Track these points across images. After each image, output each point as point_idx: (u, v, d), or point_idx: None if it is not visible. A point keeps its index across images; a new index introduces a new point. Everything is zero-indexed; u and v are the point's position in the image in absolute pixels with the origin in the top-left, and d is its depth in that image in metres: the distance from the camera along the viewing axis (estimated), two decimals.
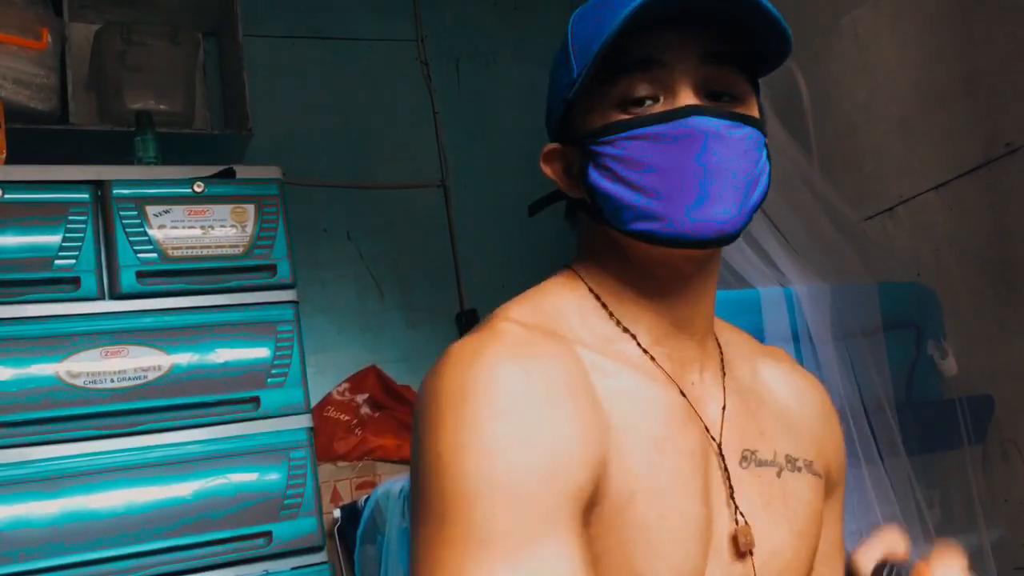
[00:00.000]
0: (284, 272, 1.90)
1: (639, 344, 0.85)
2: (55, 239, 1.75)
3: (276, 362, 1.85)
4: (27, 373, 1.68)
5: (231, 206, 1.88)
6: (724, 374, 0.90)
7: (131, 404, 1.73)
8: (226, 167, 1.95)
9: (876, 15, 2.08)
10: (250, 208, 1.90)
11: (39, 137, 2.04)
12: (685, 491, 0.79)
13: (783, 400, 0.93)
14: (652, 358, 0.84)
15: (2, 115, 1.86)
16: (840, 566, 0.95)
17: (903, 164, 2.05)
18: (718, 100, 0.82)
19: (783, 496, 0.86)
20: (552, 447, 0.71)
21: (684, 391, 0.84)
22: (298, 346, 1.88)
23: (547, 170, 0.88)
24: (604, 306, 0.86)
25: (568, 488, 0.71)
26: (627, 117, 0.81)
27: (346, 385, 2.42)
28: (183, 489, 1.73)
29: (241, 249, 1.87)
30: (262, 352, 1.85)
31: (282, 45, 2.66)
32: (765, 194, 0.84)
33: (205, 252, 1.85)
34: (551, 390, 0.74)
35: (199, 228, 1.85)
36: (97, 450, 1.69)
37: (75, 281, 1.75)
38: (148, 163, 1.96)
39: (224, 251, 1.86)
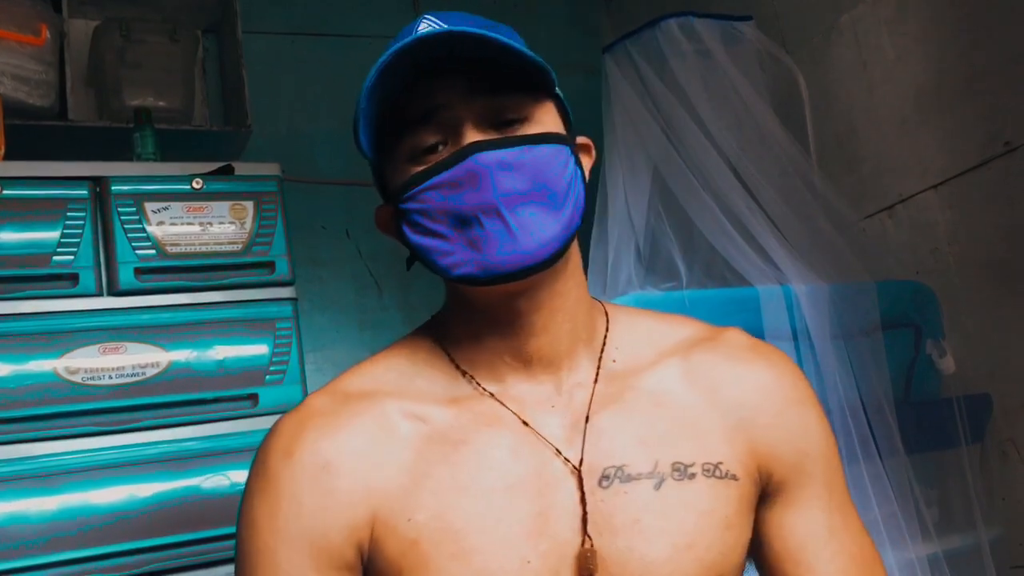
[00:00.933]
0: (283, 269, 1.90)
1: (479, 384, 0.88)
2: (53, 235, 1.75)
3: (275, 359, 1.85)
4: (25, 369, 1.68)
5: (230, 203, 1.88)
6: (595, 387, 0.88)
7: (129, 401, 1.73)
8: (225, 164, 1.94)
9: (875, 14, 2.08)
10: (249, 205, 1.89)
11: (38, 133, 2.04)
12: (496, 529, 0.81)
13: (691, 398, 0.89)
14: (492, 395, 0.87)
15: (0, 111, 1.86)
16: (825, 561, 0.88)
17: (902, 163, 2.05)
18: (507, 127, 0.83)
19: (662, 509, 0.84)
20: (304, 518, 0.83)
21: (529, 420, 0.86)
22: (296, 343, 1.88)
23: (382, 230, 0.92)
24: (447, 354, 0.90)
25: (320, 552, 0.82)
26: (420, 169, 0.83)
27: None
28: (182, 485, 1.72)
29: (240, 246, 1.87)
30: (261, 349, 1.85)
31: (281, 42, 2.65)
32: (582, 203, 0.85)
33: (204, 249, 1.84)
34: (314, 468, 0.84)
35: (198, 225, 1.85)
36: (95, 446, 1.69)
37: (73, 277, 1.75)
38: (147, 159, 1.96)
39: (223, 248, 1.86)
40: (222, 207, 1.87)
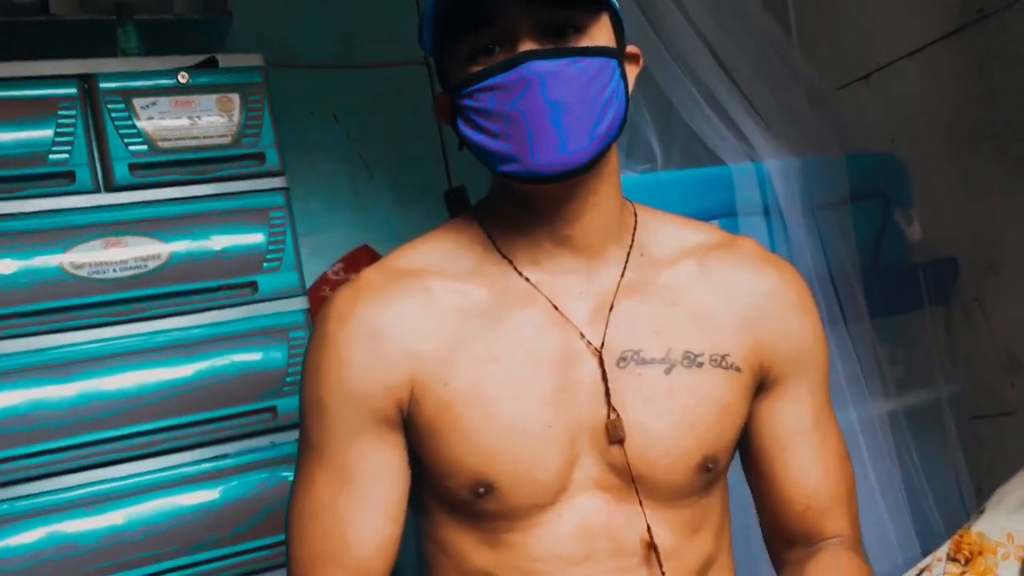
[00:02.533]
0: (272, 160, 1.94)
1: (515, 268, 0.98)
2: (47, 134, 1.79)
3: (271, 247, 1.92)
4: (32, 265, 1.75)
5: (216, 96, 1.91)
6: (621, 280, 0.98)
7: (134, 292, 1.80)
8: (208, 56, 1.96)
9: None
10: (235, 97, 1.92)
11: (21, 31, 2.04)
12: (524, 397, 0.93)
13: (705, 296, 1.00)
14: (527, 279, 0.98)
15: None
16: (808, 450, 1.01)
17: (880, 31, 2.07)
18: (562, 35, 0.91)
19: (670, 391, 0.95)
20: (352, 378, 0.95)
21: (559, 304, 0.96)
22: (291, 231, 1.94)
23: (439, 117, 1.00)
24: (490, 238, 1.01)
25: (364, 407, 0.95)
26: (477, 69, 0.91)
27: (340, 265, 2.50)
28: (191, 370, 1.83)
29: (229, 139, 1.91)
30: (256, 238, 1.91)
31: None
32: (622, 115, 0.93)
33: (194, 143, 1.89)
34: (364, 334, 0.96)
35: (186, 119, 1.88)
36: (106, 336, 1.78)
37: (70, 175, 1.80)
38: (131, 55, 1.97)
39: (212, 141, 1.90)
40: (209, 100, 1.90)
